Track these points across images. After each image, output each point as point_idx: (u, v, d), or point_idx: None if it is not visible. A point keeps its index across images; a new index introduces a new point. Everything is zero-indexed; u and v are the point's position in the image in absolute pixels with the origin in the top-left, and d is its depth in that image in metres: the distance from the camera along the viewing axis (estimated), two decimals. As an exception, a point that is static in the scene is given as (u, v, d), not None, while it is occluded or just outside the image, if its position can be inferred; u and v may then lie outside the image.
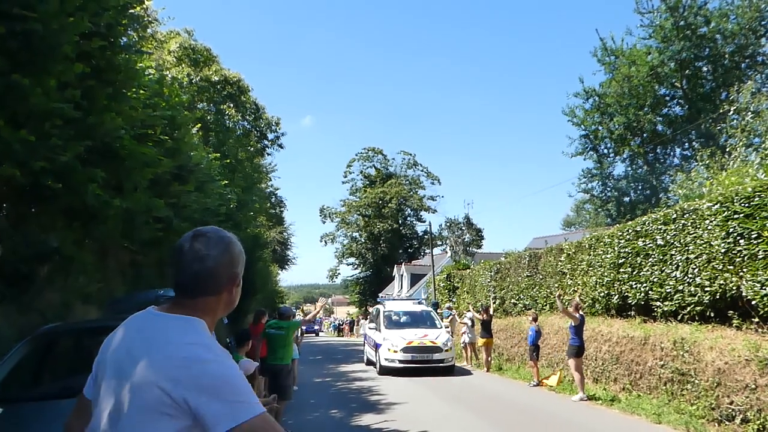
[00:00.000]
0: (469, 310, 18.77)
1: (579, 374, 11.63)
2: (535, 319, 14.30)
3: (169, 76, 18.28)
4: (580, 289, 14.28)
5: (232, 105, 30.95)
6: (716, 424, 8.54)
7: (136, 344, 1.65)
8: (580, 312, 12.04)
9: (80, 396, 1.87)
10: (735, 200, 9.21)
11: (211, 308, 1.77)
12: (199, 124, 17.11)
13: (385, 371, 16.37)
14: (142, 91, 9.94)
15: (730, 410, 8.39)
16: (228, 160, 19.63)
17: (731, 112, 21.93)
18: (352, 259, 68.49)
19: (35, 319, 7.98)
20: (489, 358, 17.44)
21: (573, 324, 11.83)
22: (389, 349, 16.40)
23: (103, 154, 7.89)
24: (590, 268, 13.93)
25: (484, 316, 17.29)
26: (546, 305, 16.50)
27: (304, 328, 31.67)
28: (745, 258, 8.89)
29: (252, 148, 32.52)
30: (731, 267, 9.21)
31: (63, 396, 4.83)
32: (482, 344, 17.52)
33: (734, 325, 9.32)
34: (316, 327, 56.95)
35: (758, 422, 7.86)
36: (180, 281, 1.74)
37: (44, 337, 6.00)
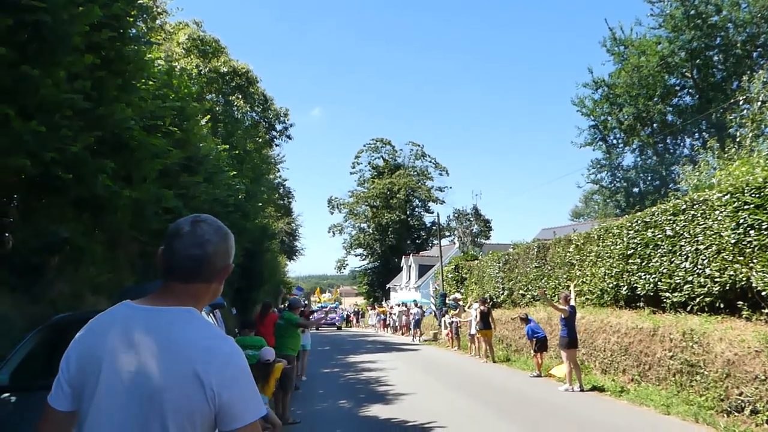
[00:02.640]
0: (476, 302, 18.76)
1: (570, 366, 11.66)
2: (524, 319, 14.39)
3: (178, 67, 18.26)
4: (579, 280, 14.26)
5: (240, 96, 30.98)
6: (725, 415, 8.51)
7: (150, 346, 1.57)
8: (571, 303, 12.06)
9: (47, 408, 1.70)
10: (745, 191, 9.15)
11: (202, 296, 1.74)
12: (208, 116, 17.11)
13: None
14: (151, 83, 9.96)
15: (740, 401, 8.36)
16: (236, 151, 19.67)
17: (742, 102, 21.75)
18: (360, 250, 68.63)
19: (46, 309, 8.05)
20: (488, 349, 17.43)
21: (563, 316, 11.89)
22: None
23: (113, 145, 7.92)
24: (599, 259, 13.89)
25: (482, 307, 17.31)
26: (554, 296, 16.48)
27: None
28: (756, 249, 8.84)
29: (260, 139, 32.56)
30: (741, 258, 9.17)
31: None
32: (480, 335, 17.54)
33: (744, 316, 9.28)
34: (334, 317, 46.68)
35: (767, 413, 7.84)
36: (177, 265, 1.70)
37: (55, 326, 6.05)
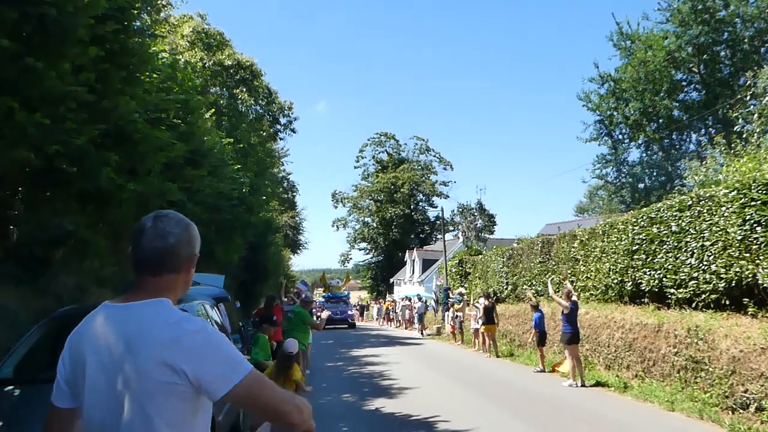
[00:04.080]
0: (481, 296, 18.71)
1: (573, 362, 11.67)
2: (534, 307, 14.35)
3: (182, 60, 18.24)
4: (583, 276, 14.23)
5: (244, 89, 30.92)
6: (730, 412, 8.48)
7: (120, 342, 1.65)
8: (573, 299, 12.05)
9: (51, 406, 1.82)
10: (752, 187, 9.09)
11: (173, 286, 1.82)
12: (213, 109, 17.10)
13: None
14: (155, 75, 9.95)
15: (745, 398, 8.33)
16: (241, 145, 19.67)
17: (749, 98, 21.63)
18: (363, 244, 68.69)
19: (51, 302, 8.05)
20: (491, 343, 17.42)
21: (564, 312, 11.88)
22: None
23: (117, 137, 7.92)
24: (604, 255, 13.85)
25: (486, 302, 17.29)
26: (558, 291, 16.44)
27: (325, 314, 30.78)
28: (762, 245, 8.79)
29: (264, 133, 32.54)
30: (747, 254, 9.11)
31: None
32: (484, 330, 17.53)
33: (750, 313, 9.23)
34: (345, 309, 35.81)
35: (773, 411, 7.81)
36: (142, 257, 1.79)
37: (60, 319, 6.05)
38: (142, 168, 8.91)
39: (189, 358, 1.60)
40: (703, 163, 18.63)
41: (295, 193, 53.10)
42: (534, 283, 18.13)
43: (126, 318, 1.69)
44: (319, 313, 24.33)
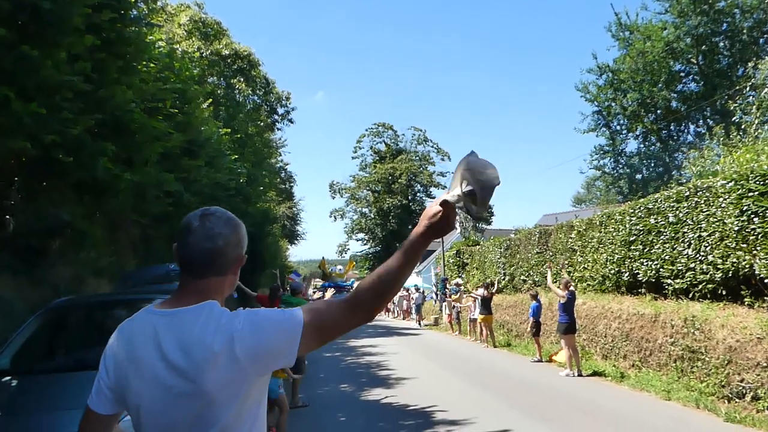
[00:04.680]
0: (478, 287, 18.72)
1: (569, 352, 11.72)
2: (534, 296, 14.39)
3: (180, 49, 18.15)
4: (580, 266, 14.26)
5: (242, 79, 30.82)
6: (726, 401, 8.52)
7: (175, 350, 1.58)
8: (570, 289, 12.09)
9: (89, 411, 1.74)
10: (750, 178, 9.09)
11: (219, 289, 1.74)
12: (210, 99, 17.02)
13: None
14: (152, 65, 9.91)
15: (741, 388, 8.37)
16: (238, 135, 19.62)
17: (747, 89, 21.60)
18: (361, 235, 68.65)
19: (48, 292, 8.05)
20: (487, 333, 17.46)
21: (561, 301, 11.93)
22: None
23: (114, 127, 7.89)
24: (601, 246, 13.87)
25: (485, 292, 17.32)
26: (555, 281, 16.48)
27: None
28: (759, 236, 8.80)
29: (262, 123, 32.46)
30: (744, 245, 9.13)
31: (75, 369, 4.88)
32: (481, 320, 17.58)
33: (746, 303, 9.26)
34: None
35: (768, 400, 7.85)
36: (189, 259, 1.71)
37: (57, 310, 6.04)
38: (139, 158, 8.88)
39: (249, 351, 1.56)
40: (701, 153, 18.65)
41: (292, 184, 53.05)
42: (531, 273, 18.16)
43: (176, 325, 1.62)
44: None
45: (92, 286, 9.64)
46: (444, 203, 1.67)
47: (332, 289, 34.02)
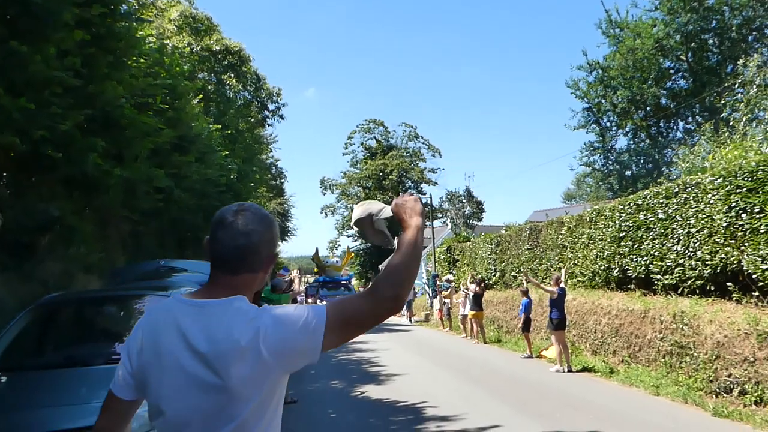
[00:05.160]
0: (472, 283, 18.73)
1: (559, 347, 11.78)
2: (524, 292, 14.45)
3: (170, 45, 18.08)
4: (571, 263, 14.32)
5: (233, 75, 30.67)
6: (714, 396, 8.60)
7: (203, 341, 1.58)
8: (561, 285, 12.15)
9: (111, 396, 1.75)
10: (738, 174, 9.16)
11: (250, 286, 1.74)
12: (200, 95, 16.96)
13: None
14: (142, 60, 9.86)
15: (728, 383, 8.45)
16: (229, 131, 19.55)
17: (736, 86, 21.73)
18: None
19: (37, 288, 8.00)
20: (478, 330, 17.52)
21: (552, 297, 11.99)
22: None
23: (104, 123, 7.85)
24: (591, 242, 13.94)
25: (477, 289, 17.37)
26: (546, 278, 16.55)
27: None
28: (747, 232, 8.88)
29: (253, 119, 32.35)
30: (733, 241, 9.20)
31: (65, 365, 4.86)
32: (472, 316, 17.63)
33: (734, 298, 9.34)
34: None
35: (755, 394, 7.92)
36: (222, 255, 1.69)
37: (46, 306, 6.01)
38: (129, 154, 8.84)
39: (274, 347, 1.56)
40: (692, 149, 18.75)
41: (283, 180, 52.94)
42: (522, 270, 18.23)
43: (205, 316, 1.62)
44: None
45: (82, 282, 9.59)
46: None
47: (328, 284, 28.63)
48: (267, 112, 38.24)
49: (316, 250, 32.00)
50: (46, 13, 6.14)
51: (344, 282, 30.00)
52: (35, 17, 6.12)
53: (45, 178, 8.06)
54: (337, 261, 31.31)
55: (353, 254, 33.25)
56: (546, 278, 16.07)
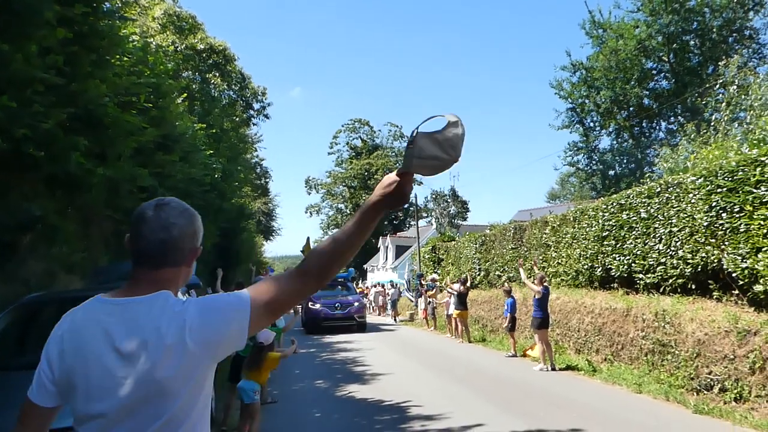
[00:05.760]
0: (455, 282, 18.76)
1: (543, 346, 11.86)
2: (507, 292, 14.53)
3: (154, 43, 17.93)
4: (554, 261, 14.42)
5: (217, 74, 30.56)
6: (695, 393, 8.71)
7: (128, 339, 1.56)
8: (545, 284, 12.24)
9: (29, 403, 1.68)
10: (718, 174, 9.27)
11: (174, 281, 1.72)
12: (185, 93, 16.84)
13: None
14: (126, 58, 9.78)
15: (709, 380, 8.55)
16: (213, 130, 19.43)
17: (717, 87, 21.98)
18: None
19: (19, 288, 7.92)
20: (462, 329, 17.57)
21: (536, 297, 12.07)
22: None
23: (87, 121, 7.77)
24: (574, 241, 14.04)
25: (461, 288, 17.42)
26: (530, 277, 16.63)
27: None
28: (727, 231, 8.99)
29: (237, 118, 32.21)
30: (713, 240, 9.31)
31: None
32: (457, 316, 17.68)
33: (715, 297, 9.46)
34: (349, 301, 22.68)
35: (735, 391, 8.03)
36: (143, 250, 1.68)
37: (28, 306, 5.97)
38: (112, 153, 8.76)
39: (200, 338, 1.55)
40: (674, 150, 18.94)
41: (268, 179, 52.78)
42: (506, 269, 18.31)
43: (129, 314, 1.59)
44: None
45: (64, 282, 9.51)
46: (402, 174, 1.65)
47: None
48: (252, 112, 38.12)
49: (308, 239, 27.70)
50: (28, 11, 6.08)
51: (343, 279, 24.73)
52: (16, 15, 6.06)
53: (27, 177, 7.98)
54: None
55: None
56: (530, 277, 16.14)
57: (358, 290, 30.04)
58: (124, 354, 1.54)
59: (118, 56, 9.16)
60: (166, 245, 1.67)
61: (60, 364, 1.61)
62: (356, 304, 22.59)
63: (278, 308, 1.69)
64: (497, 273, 19.06)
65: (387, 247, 51.51)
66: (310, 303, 21.85)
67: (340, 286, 23.86)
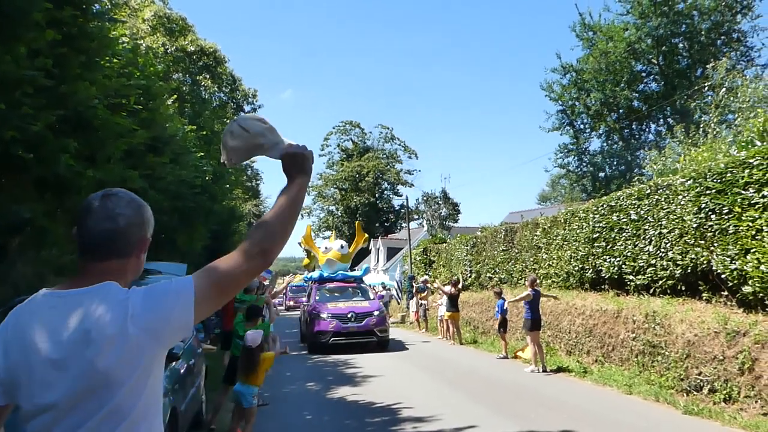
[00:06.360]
0: (446, 285, 18.78)
1: (534, 347, 11.90)
2: (498, 293, 14.58)
3: (144, 45, 17.91)
4: (546, 263, 14.47)
5: (208, 76, 30.52)
6: (685, 394, 8.75)
7: (73, 332, 1.53)
8: (535, 287, 12.28)
9: None
10: (707, 176, 9.32)
11: (121, 273, 1.69)
12: (175, 95, 16.80)
13: None
14: (115, 60, 9.75)
15: (699, 381, 8.60)
16: (204, 132, 19.38)
17: (706, 89, 22.12)
18: (328, 233, 68.34)
19: (8, 291, 7.88)
20: (454, 331, 17.59)
21: (527, 299, 12.17)
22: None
23: (76, 123, 7.74)
24: (565, 243, 14.08)
25: (453, 290, 17.44)
26: (521, 279, 16.69)
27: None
28: (716, 233, 9.04)
29: (228, 120, 32.08)
30: (702, 242, 9.36)
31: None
32: (448, 317, 17.70)
33: (704, 298, 9.51)
34: (368, 310, 16.40)
35: (724, 392, 8.07)
36: (89, 240, 1.66)
37: (17, 309, 5.92)
38: (102, 155, 8.73)
39: (143, 324, 1.53)
40: (662, 152, 19.04)
41: (259, 182, 52.71)
42: (497, 271, 18.34)
43: (72, 306, 1.56)
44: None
45: (53, 284, 9.44)
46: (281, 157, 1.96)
47: (331, 284, 18.85)
48: (243, 114, 38.06)
49: (308, 228, 23.13)
50: (17, 13, 6.05)
51: (354, 280, 19.54)
52: (5, 16, 6.03)
53: (16, 180, 7.93)
54: (342, 247, 20.26)
55: (366, 236, 21.25)
56: (521, 279, 16.20)
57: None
58: (66, 346, 1.53)
59: (107, 58, 9.13)
60: (112, 235, 1.66)
61: (4, 362, 1.58)
62: (376, 313, 16.49)
63: (226, 290, 1.67)
64: (488, 275, 19.09)
65: (378, 249, 51.50)
66: (312, 313, 16.63)
67: (351, 288, 18.64)
